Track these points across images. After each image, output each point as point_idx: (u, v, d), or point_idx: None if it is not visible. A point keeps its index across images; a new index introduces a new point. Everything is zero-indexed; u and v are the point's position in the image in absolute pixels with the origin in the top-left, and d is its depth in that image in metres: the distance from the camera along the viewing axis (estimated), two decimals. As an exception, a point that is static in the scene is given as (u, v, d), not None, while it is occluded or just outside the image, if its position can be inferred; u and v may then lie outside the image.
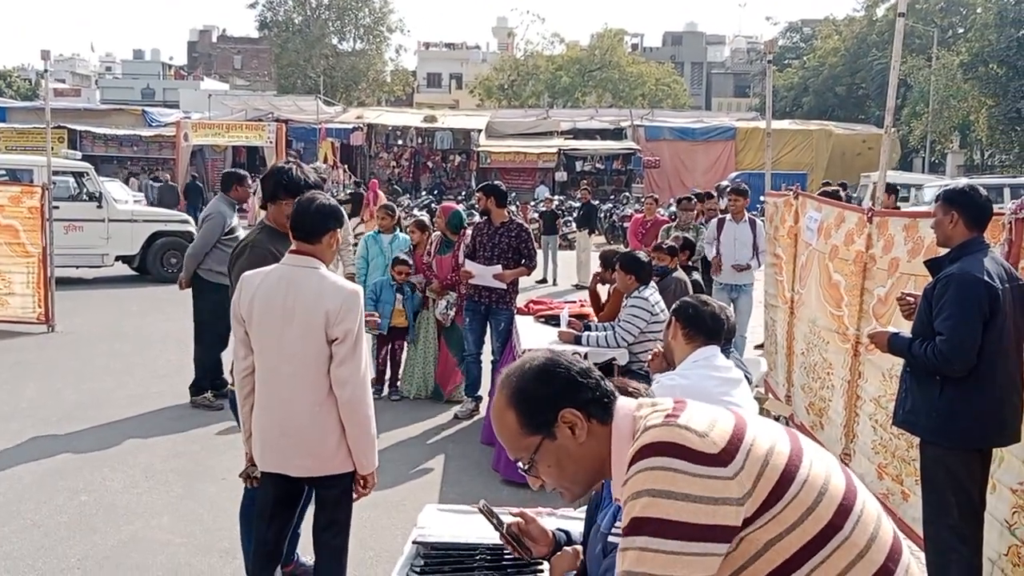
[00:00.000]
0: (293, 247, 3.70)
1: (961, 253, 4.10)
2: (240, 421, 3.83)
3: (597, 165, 34.88)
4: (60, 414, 7.58)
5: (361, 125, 34.99)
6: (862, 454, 6.00)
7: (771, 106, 8.94)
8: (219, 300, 7.85)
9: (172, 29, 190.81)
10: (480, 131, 35.37)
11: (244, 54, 72.19)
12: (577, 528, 2.74)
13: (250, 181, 8.45)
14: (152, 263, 15.51)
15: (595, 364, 6.23)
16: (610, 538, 2.33)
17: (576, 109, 46.57)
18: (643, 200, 15.36)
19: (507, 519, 2.69)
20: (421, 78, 68.51)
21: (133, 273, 15.89)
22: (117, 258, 15.52)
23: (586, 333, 6.66)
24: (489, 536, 2.78)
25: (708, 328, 3.86)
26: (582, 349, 6.45)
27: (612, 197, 30.38)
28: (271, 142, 31.55)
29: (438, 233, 8.52)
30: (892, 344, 4.28)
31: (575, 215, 21.06)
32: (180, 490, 5.98)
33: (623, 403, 1.96)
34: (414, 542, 2.88)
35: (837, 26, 53.55)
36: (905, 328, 4.44)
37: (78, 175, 15.27)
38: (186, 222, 16.22)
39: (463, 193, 31.14)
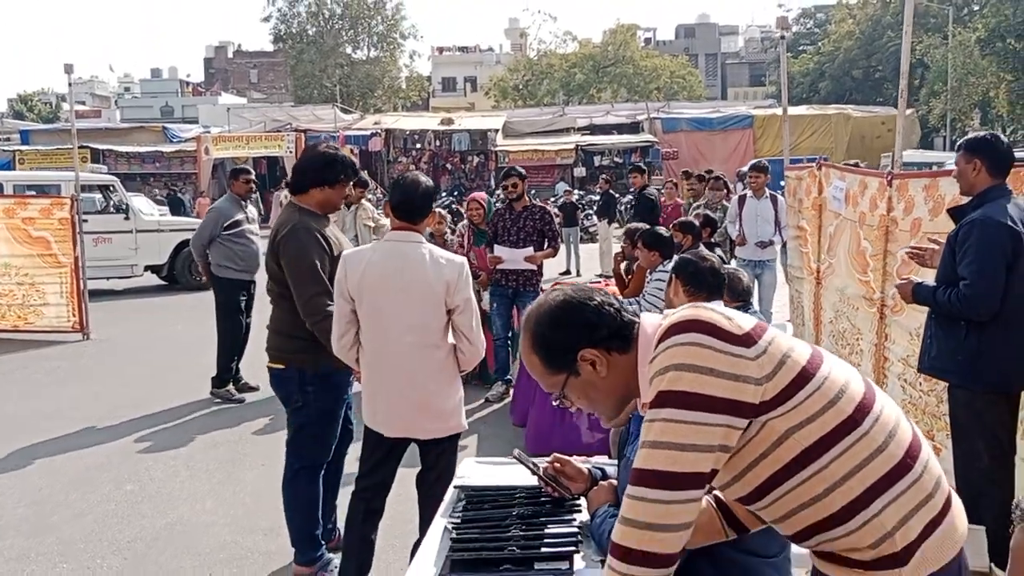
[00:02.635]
0: (395, 225, 3.90)
1: (984, 200, 4.13)
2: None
3: (615, 159, 34.85)
4: (100, 414, 7.73)
5: (379, 131, 35.16)
6: (892, 414, 6.03)
7: (787, 84, 8.97)
8: (229, 293, 8.10)
9: (188, 47, 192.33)
10: (497, 131, 35.45)
11: (260, 68, 72.75)
12: (612, 467, 2.82)
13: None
14: (180, 272, 15.66)
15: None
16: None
17: (592, 105, 46.55)
18: (662, 187, 15.41)
19: (543, 464, 2.79)
20: (436, 83, 68.80)
21: (162, 283, 16.08)
22: (146, 268, 15.71)
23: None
24: (527, 481, 2.87)
25: (709, 283, 3.92)
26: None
27: (632, 190, 30.32)
28: (291, 152, 31.80)
29: (465, 223, 8.57)
30: (916, 294, 4.33)
31: (595, 207, 21.12)
32: (221, 477, 6.11)
33: (648, 319, 2.04)
34: (455, 487, 2.97)
35: (851, 10, 53.28)
36: (929, 279, 4.49)
37: (104, 188, 15.49)
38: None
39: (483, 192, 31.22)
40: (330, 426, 4.45)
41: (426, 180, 4.02)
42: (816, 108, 38.69)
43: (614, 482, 2.68)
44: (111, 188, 15.51)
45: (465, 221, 8.63)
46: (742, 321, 1.88)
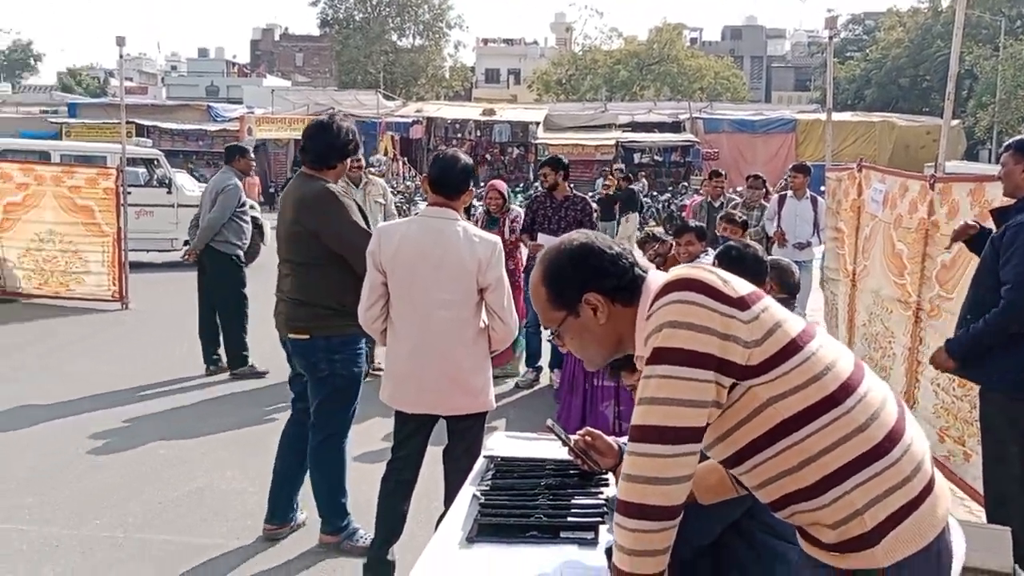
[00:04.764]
0: (433, 200, 3.96)
1: None
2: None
3: (656, 157, 34.73)
4: (136, 383, 7.85)
5: (420, 119, 35.24)
6: (923, 419, 5.99)
7: (832, 85, 8.89)
8: (238, 269, 8.20)
9: (235, 28, 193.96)
10: (538, 124, 35.40)
11: (305, 52, 73.23)
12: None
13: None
14: (219, 247, 15.83)
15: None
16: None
17: (634, 103, 46.37)
18: (700, 186, 15.39)
19: (575, 437, 2.82)
20: (479, 74, 68.86)
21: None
22: (185, 243, 15.84)
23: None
24: (556, 454, 2.91)
25: (752, 270, 3.89)
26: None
27: (671, 189, 30.32)
28: (332, 135, 31.94)
29: (481, 210, 8.64)
30: (951, 350, 4.26)
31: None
32: (249, 448, 6.17)
33: (654, 277, 2.09)
34: (485, 456, 3.01)
35: (901, 18, 52.63)
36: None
37: (148, 162, 15.70)
38: (253, 207, 16.53)
39: (520, 184, 31.31)
40: (356, 393, 4.53)
41: (465, 157, 4.08)
42: (861, 115, 38.23)
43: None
44: (155, 162, 15.72)
45: (481, 208, 8.69)
46: (738, 285, 1.92)
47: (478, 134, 35.92)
